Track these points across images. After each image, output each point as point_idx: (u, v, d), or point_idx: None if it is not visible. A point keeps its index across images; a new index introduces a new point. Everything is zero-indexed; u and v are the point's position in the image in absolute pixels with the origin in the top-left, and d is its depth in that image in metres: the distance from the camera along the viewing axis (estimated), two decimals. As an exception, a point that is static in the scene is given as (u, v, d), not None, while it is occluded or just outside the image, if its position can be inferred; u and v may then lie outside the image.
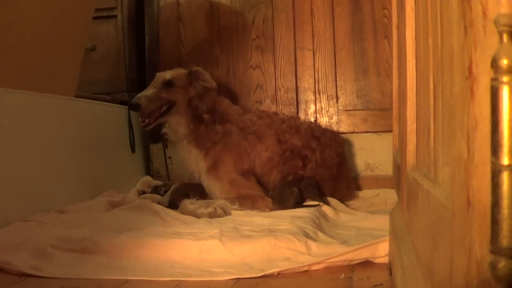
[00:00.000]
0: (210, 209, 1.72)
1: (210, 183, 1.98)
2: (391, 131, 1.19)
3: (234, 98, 2.53)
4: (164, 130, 2.11)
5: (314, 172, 2.02)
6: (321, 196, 1.88)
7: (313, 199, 1.84)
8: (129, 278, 1.11)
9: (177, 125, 2.01)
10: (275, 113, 2.25)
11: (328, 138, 2.15)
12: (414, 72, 0.77)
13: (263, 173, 2.02)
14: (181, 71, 2.06)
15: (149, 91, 1.96)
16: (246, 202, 1.86)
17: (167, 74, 2.01)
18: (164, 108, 1.97)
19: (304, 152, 2.04)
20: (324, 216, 1.67)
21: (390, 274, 1.05)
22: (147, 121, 1.94)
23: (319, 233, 1.37)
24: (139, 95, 1.95)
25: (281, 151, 2.04)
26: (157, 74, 2.08)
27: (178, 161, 2.18)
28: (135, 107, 1.91)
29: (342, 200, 1.98)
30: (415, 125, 0.76)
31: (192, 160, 2.03)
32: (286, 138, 2.07)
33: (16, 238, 1.30)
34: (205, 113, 2.00)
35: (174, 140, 2.10)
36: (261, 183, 1.99)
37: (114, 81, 2.42)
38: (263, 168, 2.02)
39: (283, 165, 2.02)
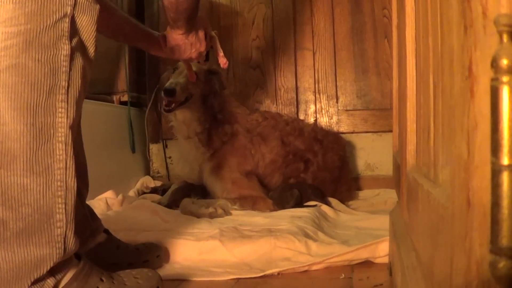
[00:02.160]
0: (210, 209, 1.72)
1: (212, 182, 1.98)
2: (391, 131, 1.19)
3: (234, 98, 2.53)
4: (172, 123, 2.09)
5: (315, 175, 2.02)
6: (322, 198, 1.88)
7: (314, 200, 1.84)
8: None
9: (191, 121, 1.98)
10: (279, 114, 2.25)
11: (331, 141, 2.15)
12: (414, 72, 0.78)
13: (266, 175, 2.02)
14: (202, 66, 2.01)
15: (181, 79, 1.91)
16: (247, 202, 1.86)
17: (193, 66, 1.98)
18: (183, 98, 1.93)
19: (306, 155, 2.05)
20: (324, 216, 1.67)
21: (390, 274, 1.05)
22: (172, 105, 1.89)
23: (319, 233, 1.37)
24: (174, 81, 1.90)
25: (285, 154, 2.04)
26: (179, 63, 2.00)
27: (180, 159, 2.16)
28: (171, 92, 1.86)
29: (342, 201, 1.98)
30: (415, 125, 0.76)
31: (197, 159, 2.02)
32: (289, 140, 2.06)
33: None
34: (218, 112, 1.99)
35: (180, 136, 2.06)
36: (263, 185, 1.99)
37: (114, 81, 2.42)
38: (266, 170, 2.02)
39: (285, 168, 2.02)
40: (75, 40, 0.83)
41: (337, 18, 2.45)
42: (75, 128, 0.86)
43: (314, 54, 2.47)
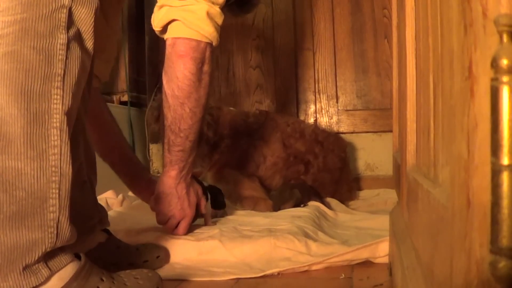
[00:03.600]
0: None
1: (214, 184, 1.98)
2: (391, 131, 1.19)
3: (234, 98, 2.53)
4: None
5: (315, 177, 2.02)
6: (321, 199, 1.88)
7: (314, 200, 1.84)
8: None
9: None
10: (279, 115, 2.24)
11: (332, 142, 2.15)
12: (414, 72, 0.78)
13: (266, 177, 2.02)
14: None
15: None
16: (248, 203, 1.86)
17: None
18: None
19: (307, 157, 2.04)
20: (324, 215, 1.67)
21: (390, 274, 1.05)
22: None
23: (319, 233, 1.37)
24: None
25: (286, 156, 2.03)
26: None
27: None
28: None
29: (342, 202, 1.98)
30: (415, 125, 0.76)
31: (198, 165, 2.02)
32: (290, 142, 2.06)
33: None
34: (214, 137, 1.97)
35: None
36: (263, 186, 1.99)
37: (114, 81, 2.42)
38: (266, 172, 2.02)
39: (286, 170, 2.03)
40: (72, 31, 0.84)
41: (337, 18, 2.45)
42: (73, 116, 0.87)
43: (314, 54, 2.47)
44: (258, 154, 2.02)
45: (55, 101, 0.82)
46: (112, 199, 1.90)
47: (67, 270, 0.85)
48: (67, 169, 0.83)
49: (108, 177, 2.10)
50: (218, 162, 1.99)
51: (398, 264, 0.82)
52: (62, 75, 0.82)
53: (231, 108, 2.27)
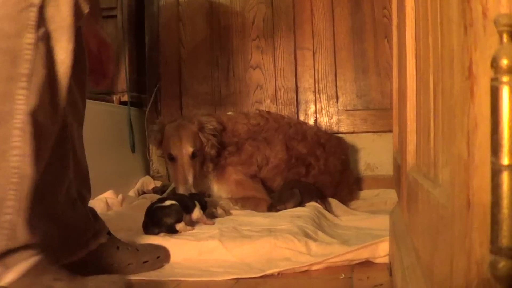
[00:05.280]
0: (211, 210, 1.72)
1: (217, 185, 1.98)
2: (391, 131, 1.19)
3: (234, 98, 2.53)
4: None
5: (316, 179, 2.02)
6: (322, 198, 1.88)
7: (315, 200, 1.83)
8: (128, 278, 1.11)
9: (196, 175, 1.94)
10: (281, 116, 2.24)
11: (333, 145, 2.15)
12: (414, 72, 0.78)
13: (268, 179, 2.02)
14: (191, 130, 1.91)
15: (189, 177, 1.86)
16: (249, 203, 1.86)
17: (189, 147, 1.89)
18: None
19: (308, 159, 2.04)
20: (324, 215, 1.67)
21: (390, 274, 1.05)
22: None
23: (319, 233, 1.37)
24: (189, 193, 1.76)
25: (288, 158, 2.03)
26: (175, 149, 1.89)
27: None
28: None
29: (342, 203, 1.97)
30: (415, 125, 0.76)
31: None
32: (293, 144, 2.06)
33: None
34: (216, 152, 1.95)
35: None
36: (265, 187, 1.99)
37: (114, 81, 2.42)
38: (268, 174, 2.02)
39: (287, 172, 2.03)
40: (41, 30, 0.82)
41: (337, 18, 2.45)
42: (41, 116, 0.84)
43: (314, 54, 2.47)
44: (261, 156, 2.02)
45: (18, 102, 0.80)
46: (112, 199, 1.90)
47: (22, 266, 0.83)
48: (29, 170, 0.81)
49: (108, 177, 2.10)
50: (221, 164, 1.99)
51: (398, 264, 0.82)
52: (28, 75, 0.81)
53: (230, 113, 2.27)
